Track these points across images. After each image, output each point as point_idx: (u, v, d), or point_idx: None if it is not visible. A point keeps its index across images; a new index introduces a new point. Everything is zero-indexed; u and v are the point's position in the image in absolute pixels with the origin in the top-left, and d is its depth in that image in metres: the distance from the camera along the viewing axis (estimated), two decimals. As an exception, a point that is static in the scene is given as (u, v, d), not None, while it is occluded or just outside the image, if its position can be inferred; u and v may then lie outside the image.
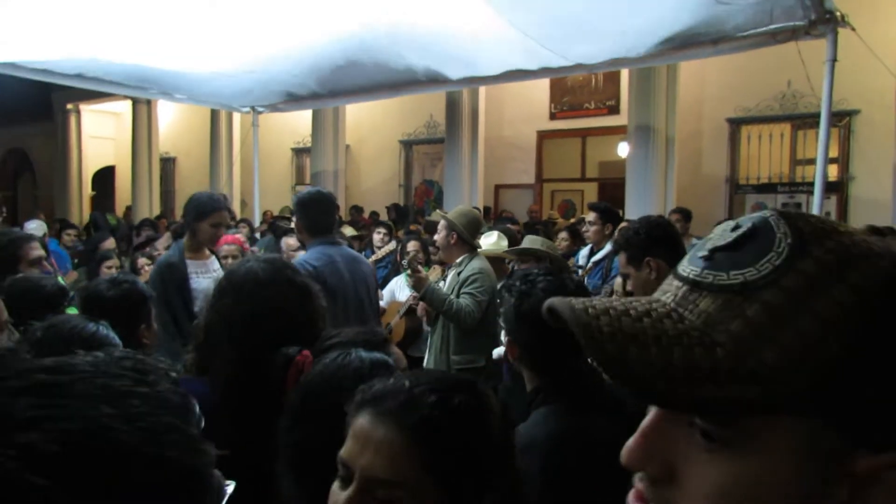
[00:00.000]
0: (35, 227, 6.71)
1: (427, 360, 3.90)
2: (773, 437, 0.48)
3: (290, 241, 5.19)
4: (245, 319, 1.69)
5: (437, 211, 5.14)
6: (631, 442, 0.54)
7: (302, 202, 3.33)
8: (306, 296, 1.80)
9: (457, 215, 3.89)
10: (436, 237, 3.98)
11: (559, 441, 1.53)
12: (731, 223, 0.56)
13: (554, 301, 0.55)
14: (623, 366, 0.49)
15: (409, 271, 3.72)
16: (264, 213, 10.76)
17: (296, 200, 3.38)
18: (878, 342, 0.47)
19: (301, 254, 4.77)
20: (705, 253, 0.55)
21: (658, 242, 2.47)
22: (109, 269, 4.90)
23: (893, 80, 7.21)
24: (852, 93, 8.62)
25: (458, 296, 3.66)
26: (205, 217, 3.44)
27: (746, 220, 0.55)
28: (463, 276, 3.73)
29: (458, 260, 3.84)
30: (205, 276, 3.42)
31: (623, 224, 3.98)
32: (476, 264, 3.78)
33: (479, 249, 4.50)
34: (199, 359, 1.77)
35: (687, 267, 0.55)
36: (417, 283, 3.69)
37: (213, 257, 3.63)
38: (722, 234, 0.56)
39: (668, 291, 0.56)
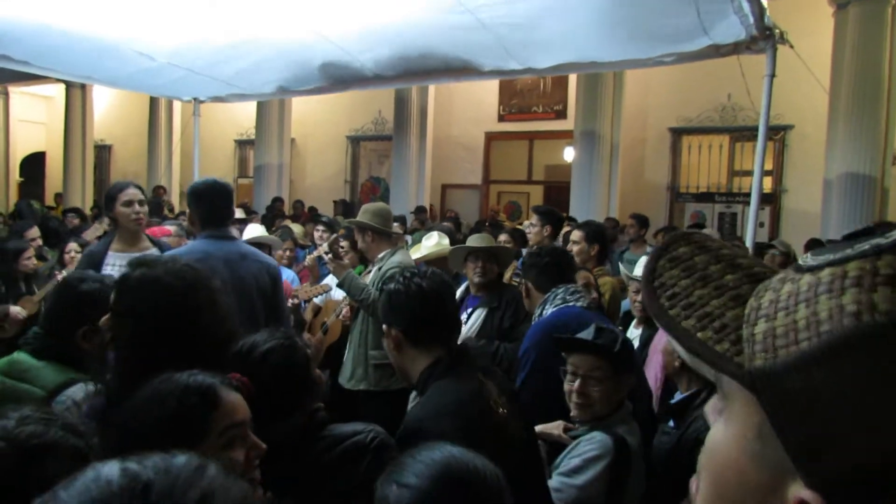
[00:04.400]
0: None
1: (346, 355, 3.88)
2: (737, 407, 0.50)
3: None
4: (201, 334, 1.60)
5: (343, 221, 5.11)
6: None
7: (197, 192, 3.12)
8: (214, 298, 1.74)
9: (363, 213, 3.89)
10: (359, 245, 3.97)
11: (469, 403, 1.62)
12: None
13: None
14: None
15: (329, 256, 3.65)
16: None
17: (190, 190, 3.16)
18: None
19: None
20: None
21: None
22: (28, 259, 4.58)
23: (826, 97, 7.55)
24: (787, 108, 8.97)
25: (378, 290, 3.63)
26: (115, 200, 3.31)
27: None
28: (383, 270, 3.72)
29: (381, 255, 3.84)
30: (123, 270, 3.24)
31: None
32: (396, 259, 3.77)
33: (421, 253, 4.46)
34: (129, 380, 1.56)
35: None
36: (337, 270, 3.68)
37: (154, 249, 3.41)
38: None
39: None
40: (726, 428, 0.51)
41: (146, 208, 3.48)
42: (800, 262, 0.51)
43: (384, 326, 1.86)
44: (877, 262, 0.45)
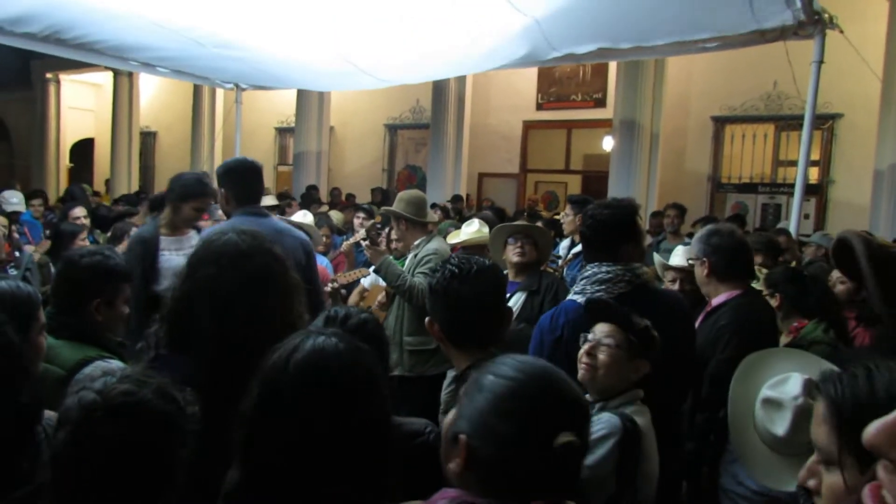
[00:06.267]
0: (17, 201, 6.52)
1: None
2: None
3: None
4: (230, 290, 1.61)
5: (378, 210, 5.15)
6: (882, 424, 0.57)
7: (231, 170, 3.20)
8: (286, 268, 1.76)
9: (398, 202, 3.93)
10: (394, 233, 4.01)
11: None
12: None
13: None
14: None
15: (366, 242, 3.69)
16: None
17: (222, 169, 3.23)
18: None
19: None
20: None
21: None
22: (83, 241, 4.72)
23: (878, 85, 7.29)
24: (836, 96, 8.69)
25: (413, 276, 3.70)
26: (189, 199, 3.38)
27: None
28: (419, 256, 3.78)
29: (416, 243, 3.88)
30: (178, 254, 3.34)
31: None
32: (432, 246, 3.81)
33: (459, 238, 4.47)
34: (173, 332, 1.67)
35: None
36: (374, 255, 3.73)
37: (193, 233, 3.52)
38: None
39: None
40: None
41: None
42: None
43: (428, 317, 1.91)
44: None
